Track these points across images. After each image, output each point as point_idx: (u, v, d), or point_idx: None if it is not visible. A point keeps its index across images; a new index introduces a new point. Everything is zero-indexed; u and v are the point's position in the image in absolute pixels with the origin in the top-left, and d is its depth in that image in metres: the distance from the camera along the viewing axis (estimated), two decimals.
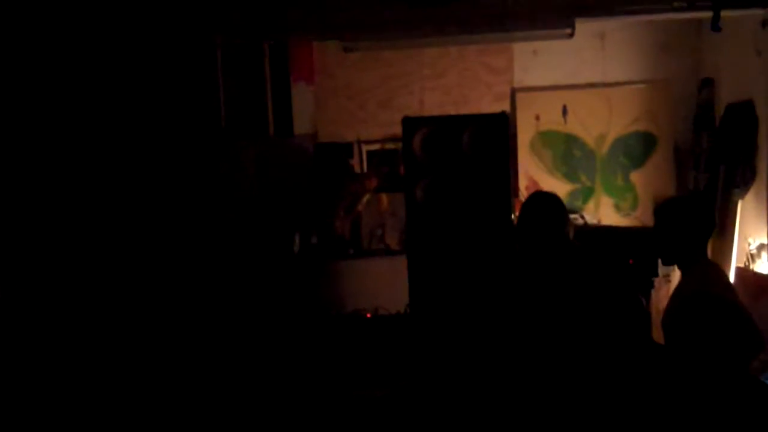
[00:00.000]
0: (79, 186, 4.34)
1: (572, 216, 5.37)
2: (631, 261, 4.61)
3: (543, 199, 4.03)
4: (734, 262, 4.90)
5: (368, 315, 4.95)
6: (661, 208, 3.42)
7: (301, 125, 5.86)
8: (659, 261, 4.67)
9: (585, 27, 5.53)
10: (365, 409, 4.32)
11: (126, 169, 4.60)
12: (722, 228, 4.95)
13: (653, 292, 4.81)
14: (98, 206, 4.39)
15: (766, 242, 4.64)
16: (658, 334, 4.65)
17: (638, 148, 5.69)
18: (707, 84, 5.46)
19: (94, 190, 4.41)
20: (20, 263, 3.92)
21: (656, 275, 4.74)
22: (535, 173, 5.73)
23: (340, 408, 4.39)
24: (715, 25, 4.33)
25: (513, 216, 5.12)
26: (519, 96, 5.80)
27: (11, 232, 3.91)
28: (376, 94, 5.89)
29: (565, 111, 5.74)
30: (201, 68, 5.29)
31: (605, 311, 3.93)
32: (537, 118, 5.76)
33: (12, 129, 4.00)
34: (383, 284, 5.28)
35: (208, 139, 5.21)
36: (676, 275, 5.04)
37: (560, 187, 5.65)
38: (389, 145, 5.73)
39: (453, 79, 5.92)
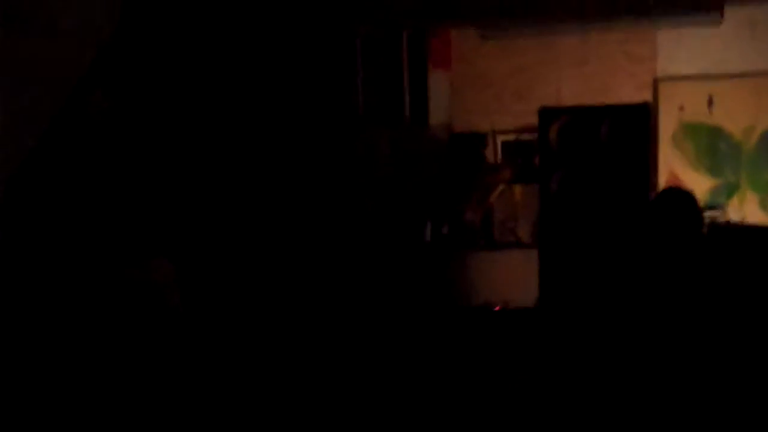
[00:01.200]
0: (221, 170, 4.52)
1: (714, 213, 5.19)
2: None
3: (676, 197, 3.90)
4: None
5: (497, 308, 4.95)
6: None
7: (437, 114, 5.87)
8: None
9: (734, 13, 5.32)
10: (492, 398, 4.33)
11: (267, 153, 4.76)
12: None
13: None
14: (233, 193, 4.55)
15: None
16: None
17: None
18: None
19: (236, 173, 4.59)
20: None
21: None
22: (676, 167, 5.53)
23: (466, 397, 4.41)
24: None
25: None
26: (662, 86, 5.61)
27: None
28: (513, 84, 5.83)
29: (710, 102, 5.51)
30: (341, 57, 5.40)
31: (735, 312, 3.80)
32: (681, 108, 5.56)
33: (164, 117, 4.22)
34: (513, 277, 5.27)
35: (346, 124, 5.32)
36: None
37: (702, 182, 5.44)
38: (525, 136, 5.67)
39: (592, 68, 5.77)
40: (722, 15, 5.29)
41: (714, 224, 4.83)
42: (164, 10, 4.22)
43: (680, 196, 4.01)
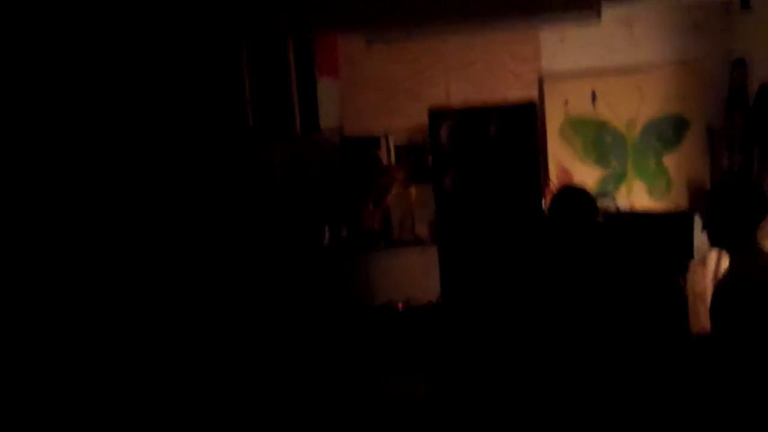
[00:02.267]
0: (105, 187, 4.36)
1: (604, 201, 5.31)
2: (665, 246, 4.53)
3: (573, 196, 3.99)
4: None
5: (400, 306, 4.92)
6: (714, 189, 3.36)
7: (328, 120, 5.83)
8: (697, 244, 4.66)
9: (612, 12, 5.48)
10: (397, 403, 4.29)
11: (154, 169, 4.62)
12: None
13: (689, 275, 4.73)
14: (125, 207, 4.41)
15: None
16: (692, 318, 4.60)
17: (670, 131, 5.59)
18: (739, 65, 5.35)
19: (121, 191, 4.44)
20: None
21: (691, 257, 4.66)
22: (565, 160, 5.65)
23: (373, 400, 4.36)
24: (745, 1, 4.24)
25: (543, 204, 5.07)
26: (547, 83, 5.73)
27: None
28: (402, 87, 5.85)
29: (594, 97, 5.66)
30: (226, 67, 5.30)
31: (642, 295, 3.88)
32: (566, 104, 5.68)
33: (32, 126, 4.04)
34: (414, 275, 5.26)
35: (236, 137, 5.22)
36: (712, 258, 4.97)
37: (591, 174, 5.58)
38: (417, 137, 5.68)
39: (479, 69, 5.85)
40: (600, 14, 5.44)
41: (608, 213, 4.95)
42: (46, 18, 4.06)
43: (576, 192, 4.10)
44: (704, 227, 3.22)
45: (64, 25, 4.16)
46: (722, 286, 3.15)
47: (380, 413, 4.25)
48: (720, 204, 3.12)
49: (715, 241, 3.19)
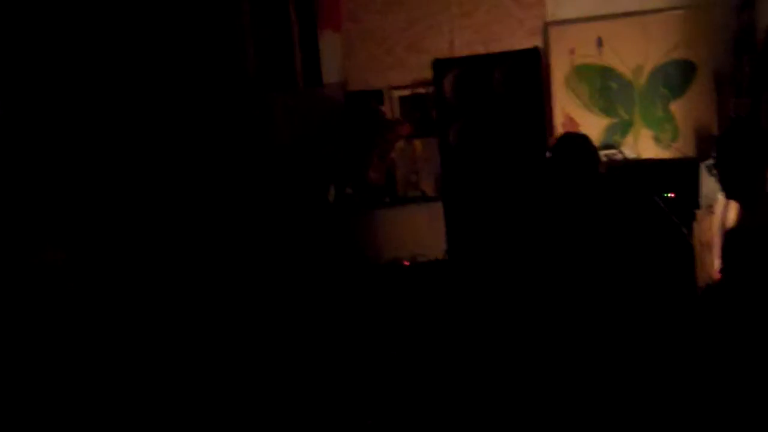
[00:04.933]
0: (108, 143, 4.37)
1: (611, 151, 5.26)
2: (672, 195, 4.49)
3: (572, 142, 3.95)
4: None
5: (406, 263, 4.93)
6: (722, 136, 3.32)
7: (330, 74, 5.77)
8: (704, 192, 4.62)
9: None
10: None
11: (157, 123, 4.61)
12: None
13: (695, 224, 4.71)
14: (127, 164, 4.41)
15: None
16: (699, 268, 4.58)
17: (677, 77, 5.49)
18: (747, 6, 5.24)
19: (123, 147, 4.44)
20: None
21: (698, 207, 4.62)
22: (571, 109, 5.58)
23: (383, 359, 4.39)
24: None
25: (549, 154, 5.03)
26: (552, 30, 5.63)
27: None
28: (404, 38, 5.77)
29: (600, 43, 5.56)
30: (229, 21, 5.25)
31: (648, 243, 3.86)
32: (571, 52, 5.59)
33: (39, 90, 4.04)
34: (420, 231, 5.25)
35: (238, 91, 5.19)
36: (719, 207, 4.93)
37: (597, 122, 5.51)
38: (420, 90, 5.62)
39: (482, 17, 5.75)
40: None
41: (611, 162, 4.90)
42: None
43: (576, 139, 4.06)
44: (715, 175, 3.20)
45: None
46: (732, 235, 3.15)
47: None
48: (728, 151, 3.08)
49: (725, 189, 3.17)
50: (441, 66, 5.23)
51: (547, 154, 4.74)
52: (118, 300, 4.18)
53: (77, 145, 4.31)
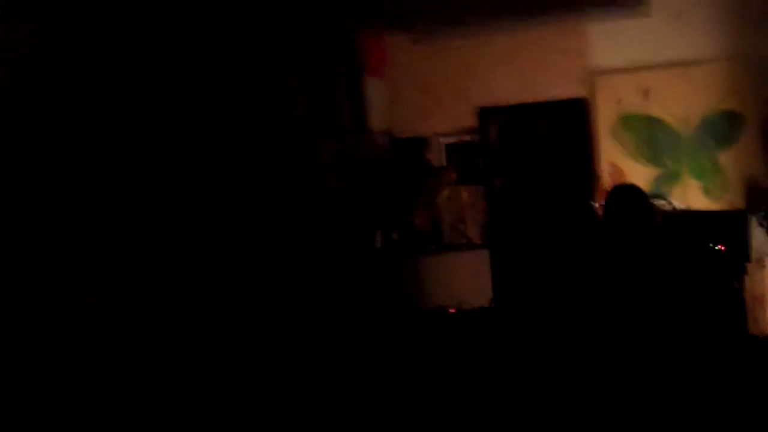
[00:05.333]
0: (151, 183, 4.42)
1: (659, 203, 5.23)
2: (722, 247, 4.46)
3: (626, 193, 3.94)
4: None
5: (452, 310, 4.91)
6: None
7: (376, 121, 5.82)
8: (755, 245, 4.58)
9: (661, 3, 5.41)
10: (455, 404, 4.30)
11: (205, 164, 4.66)
12: None
13: (746, 278, 4.66)
14: (171, 204, 4.45)
15: None
16: (751, 323, 4.52)
17: (725, 128, 5.47)
18: None
19: (167, 186, 4.48)
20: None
21: (749, 260, 4.58)
22: (617, 159, 5.56)
23: (429, 404, 4.37)
24: None
25: (595, 204, 5.02)
26: (598, 79, 5.65)
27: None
28: (449, 86, 5.79)
29: (647, 93, 5.57)
30: (274, 67, 5.31)
31: (697, 298, 3.83)
32: (618, 101, 5.60)
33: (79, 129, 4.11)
34: (466, 279, 5.23)
35: (285, 134, 5.23)
36: None
37: (644, 173, 5.49)
38: (466, 137, 5.64)
39: (526, 65, 5.77)
40: (649, 6, 5.39)
41: (666, 213, 4.88)
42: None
43: (629, 190, 4.05)
44: (766, 227, 3.16)
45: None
46: None
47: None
48: None
49: None
50: (487, 114, 5.26)
51: (598, 205, 4.74)
52: (165, 340, 4.21)
53: (126, 185, 4.37)
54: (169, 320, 4.32)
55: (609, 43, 5.66)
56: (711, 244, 4.47)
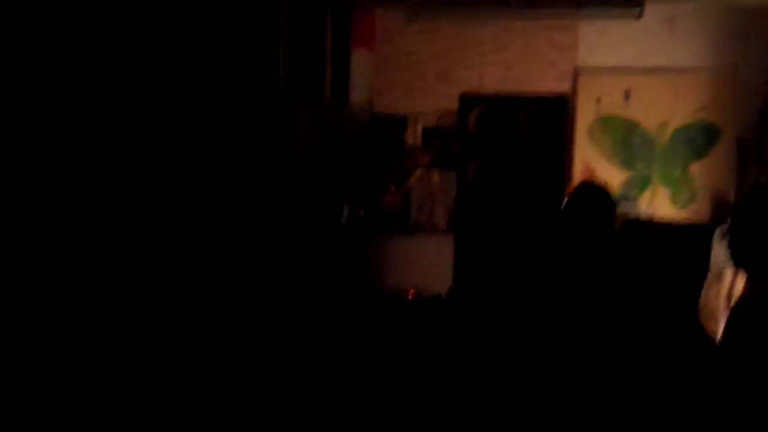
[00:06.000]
0: (125, 139, 4.39)
1: (626, 205, 5.28)
2: (682, 259, 4.51)
3: (590, 192, 3.96)
4: None
5: (409, 296, 4.95)
6: (739, 204, 3.30)
7: (359, 93, 5.81)
8: (713, 259, 4.62)
9: (654, 9, 5.40)
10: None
11: (177, 123, 4.63)
12: None
13: (703, 291, 4.71)
14: (143, 160, 4.43)
15: None
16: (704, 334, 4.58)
17: (700, 138, 5.51)
18: None
19: (142, 143, 4.46)
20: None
21: (706, 274, 4.63)
22: (591, 158, 5.59)
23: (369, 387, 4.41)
24: None
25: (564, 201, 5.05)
26: (581, 77, 5.66)
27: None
28: (436, 66, 5.80)
29: (627, 95, 5.58)
30: (263, 28, 5.28)
31: (651, 305, 3.88)
32: (598, 100, 5.62)
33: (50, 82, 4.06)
34: (428, 262, 5.27)
35: (264, 97, 5.21)
36: (727, 276, 4.93)
37: (616, 174, 5.52)
38: (445, 122, 5.65)
39: (515, 55, 5.78)
40: (642, 13, 5.38)
41: (626, 220, 4.92)
42: None
43: (596, 190, 4.07)
44: (727, 243, 3.19)
45: None
46: (740, 307, 3.15)
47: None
48: (744, 218, 3.07)
49: (737, 258, 3.16)
50: (468, 101, 5.26)
51: (564, 200, 4.77)
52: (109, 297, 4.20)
53: (95, 144, 4.33)
54: (122, 275, 4.31)
55: (597, 42, 5.66)
56: (672, 256, 4.52)
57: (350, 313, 4.78)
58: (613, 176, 5.48)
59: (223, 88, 4.91)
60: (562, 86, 5.57)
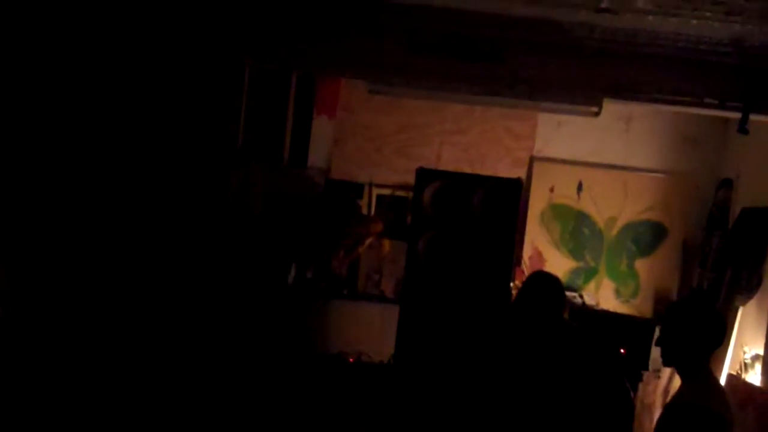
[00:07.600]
0: (84, 192, 4.32)
1: (571, 294, 5.32)
2: (623, 351, 4.54)
3: (544, 281, 3.99)
4: (726, 369, 4.82)
5: (351, 360, 4.88)
6: (673, 307, 3.30)
7: (316, 158, 5.82)
8: (653, 355, 4.67)
9: (612, 108, 5.55)
10: None
11: (138, 177, 4.58)
12: None
13: (641, 386, 4.74)
14: (102, 213, 4.36)
15: (761, 353, 4.56)
16: (638, 427, 4.59)
17: (648, 236, 5.64)
18: (726, 184, 5.43)
19: (98, 196, 4.39)
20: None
21: (646, 368, 4.66)
22: (541, 244, 5.68)
23: None
24: (743, 127, 4.27)
25: (512, 284, 5.07)
26: (537, 165, 5.77)
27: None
28: (395, 140, 5.87)
29: (580, 187, 5.70)
30: (227, 87, 5.28)
31: (591, 394, 3.87)
32: (551, 189, 5.72)
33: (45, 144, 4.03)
34: (372, 330, 5.23)
35: (222, 155, 5.18)
36: (666, 372, 4.98)
37: (564, 263, 5.60)
38: (400, 193, 5.69)
39: (473, 138, 5.89)
40: (600, 112, 5.52)
41: (573, 308, 4.95)
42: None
43: (548, 280, 4.09)
44: (657, 344, 3.17)
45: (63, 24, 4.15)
46: (671, 408, 3.13)
47: None
48: (676, 323, 3.04)
49: (666, 360, 3.13)
50: (425, 175, 5.28)
51: (514, 288, 4.80)
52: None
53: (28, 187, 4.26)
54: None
55: (555, 134, 5.80)
56: (613, 347, 4.54)
57: (289, 373, 4.68)
58: (560, 264, 5.56)
59: (180, 144, 4.88)
60: (517, 173, 5.63)
